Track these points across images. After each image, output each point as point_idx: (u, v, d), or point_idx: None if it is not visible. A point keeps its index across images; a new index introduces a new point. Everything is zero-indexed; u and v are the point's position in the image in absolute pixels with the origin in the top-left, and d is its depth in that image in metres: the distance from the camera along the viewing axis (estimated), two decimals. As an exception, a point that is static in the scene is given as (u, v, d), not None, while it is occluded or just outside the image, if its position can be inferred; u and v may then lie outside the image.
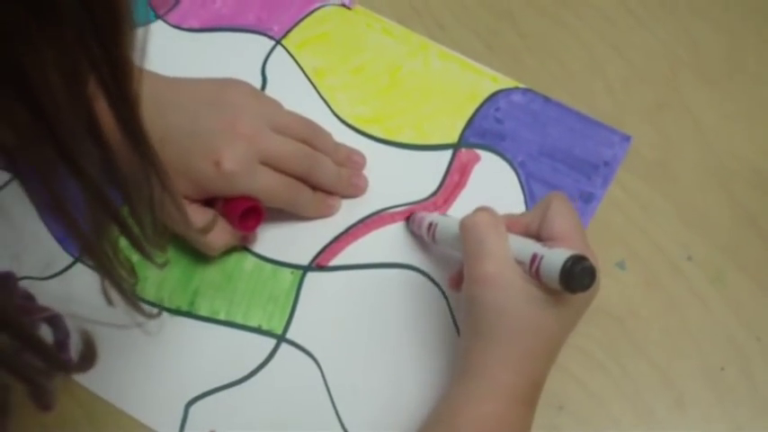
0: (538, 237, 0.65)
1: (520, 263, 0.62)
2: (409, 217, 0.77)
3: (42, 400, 0.48)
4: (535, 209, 0.67)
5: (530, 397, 0.63)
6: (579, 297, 0.61)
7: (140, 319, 0.53)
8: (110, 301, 0.50)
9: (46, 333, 0.56)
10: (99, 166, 0.40)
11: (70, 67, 0.36)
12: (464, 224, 0.66)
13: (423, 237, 0.75)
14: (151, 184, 0.46)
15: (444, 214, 0.76)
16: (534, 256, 0.61)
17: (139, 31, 0.39)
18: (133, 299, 0.50)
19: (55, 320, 0.56)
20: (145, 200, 0.46)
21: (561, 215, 0.65)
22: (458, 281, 0.69)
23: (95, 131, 0.39)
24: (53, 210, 0.39)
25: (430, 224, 0.73)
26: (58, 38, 0.33)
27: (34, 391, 0.47)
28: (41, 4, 0.32)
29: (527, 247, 0.62)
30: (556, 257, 0.59)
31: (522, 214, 0.68)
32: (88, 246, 0.44)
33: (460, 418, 0.62)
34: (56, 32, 0.33)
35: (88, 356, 0.50)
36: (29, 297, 0.59)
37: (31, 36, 0.32)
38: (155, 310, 0.54)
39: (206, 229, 0.69)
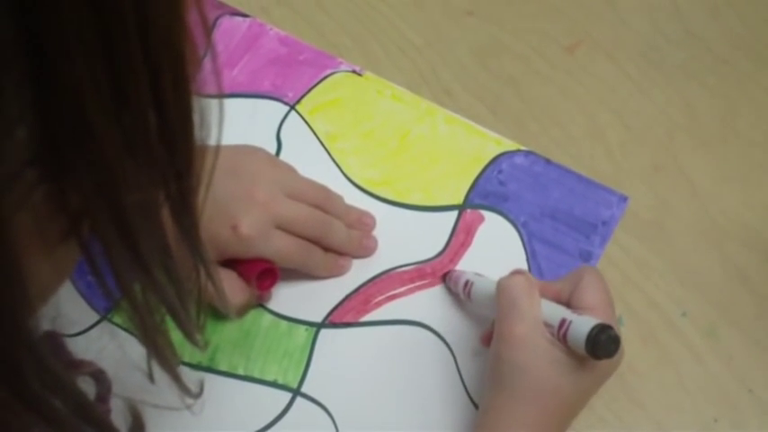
0: (568, 305, 0.68)
1: (548, 326, 0.65)
2: (447, 274, 0.79)
3: None
4: (568, 278, 0.70)
5: None
6: (602, 365, 0.64)
7: (188, 400, 0.54)
8: (152, 379, 0.52)
9: (89, 386, 0.58)
10: (158, 263, 0.42)
11: (151, 196, 0.39)
12: (500, 285, 0.69)
13: (459, 294, 0.77)
14: (198, 274, 0.49)
15: (480, 274, 0.77)
16: (563, 321, 0.64)
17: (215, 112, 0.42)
18: (180, 377, 0.52)
19: (98, 375, 0.58)
20: (191, 287, 0.49)
21: (593, 288, 0.68)
22: (490, 338, 0.71)
23: (165, 244, 0.42)
24: (118, 302, 0.42)
25: (466, 282, 0.76)
26: (148, 176, 0.37)
27: None
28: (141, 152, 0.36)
29: (557, 311, 0.66)
30: (583, 324, 0.63)
31: (555, 282, 0.71)
32: (144, 327, 0.46)
33: None
34: (148, 171, 0.37)
35: (137, 428, 0.52)
36: (68, 353, 0.62)
37: (127, 176, 0.35)
38: (197, 389, 0.55)
39: (242, 311, 0.74)
